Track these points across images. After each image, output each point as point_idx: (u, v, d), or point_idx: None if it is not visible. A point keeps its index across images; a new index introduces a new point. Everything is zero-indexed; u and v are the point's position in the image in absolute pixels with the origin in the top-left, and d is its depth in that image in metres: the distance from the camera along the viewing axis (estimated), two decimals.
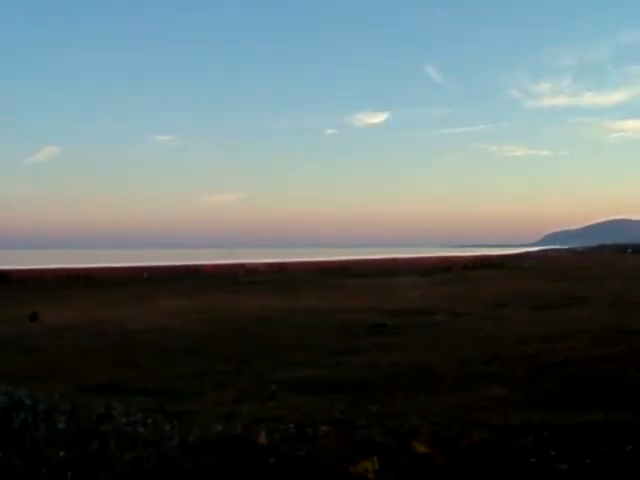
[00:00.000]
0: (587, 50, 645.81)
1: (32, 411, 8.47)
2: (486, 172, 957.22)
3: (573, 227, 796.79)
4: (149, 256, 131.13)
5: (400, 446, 7.21)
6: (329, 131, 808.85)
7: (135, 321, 27.48)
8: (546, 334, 20.11)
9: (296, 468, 6.52)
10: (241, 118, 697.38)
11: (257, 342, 21.17)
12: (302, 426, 8.32)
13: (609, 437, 7.45)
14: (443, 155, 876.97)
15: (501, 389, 12.16)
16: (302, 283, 53.55)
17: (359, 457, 6.58)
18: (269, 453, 6.96)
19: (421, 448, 7.01)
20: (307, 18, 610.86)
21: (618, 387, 11.58)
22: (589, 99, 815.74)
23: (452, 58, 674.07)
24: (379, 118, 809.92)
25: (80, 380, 14.53)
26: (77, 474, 6.38)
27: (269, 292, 44.41)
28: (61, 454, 6.84)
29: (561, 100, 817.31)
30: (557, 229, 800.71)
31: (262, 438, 7.45)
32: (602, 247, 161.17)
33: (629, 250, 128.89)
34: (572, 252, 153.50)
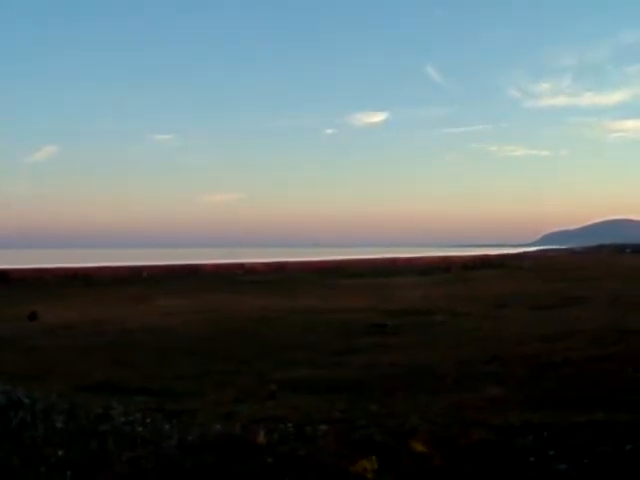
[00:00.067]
0: (587, 50, 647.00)
1: (30, 410, 8.46)
2: (485, 172, 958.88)
3: (572, 227, 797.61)
4: (148, 256, 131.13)
5: (399, 446, 7.20)
6: (329, 131, 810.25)
7: (134, 321, 27.47)
8: (545, 334, 20.12)
9: (295, 467, 6.51)
10: (241, 118, 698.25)
11: (257, 342, 21.16)
12: (301, 426, 8.31)
13: (608, 437, 7.45)
14: (442, 155, 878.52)
15: (500, 389, 12.16)
16: (301, 283, 53.55)
17: (358, 457, 6.58)
18: (268, 452, 6.95)
19: (420, 448, 7.00)
20: (307, 18, 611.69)
21: (617, 387, 11.59)
22: (589, 99, 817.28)
23: (452, 58, 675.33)
24: (378, 118, 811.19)
25: (79, 379, 14.52)
26: (76, 473, 6.38)
27: (269, 292, 44.41)
28: (60, 453, 6.84)
29: (561, 100, 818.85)
30: (556, 229, 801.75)
31: (261, 438, 7.45)
32: (601, 247, 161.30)
33: (628, 250, 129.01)
34: (571, 252, 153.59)
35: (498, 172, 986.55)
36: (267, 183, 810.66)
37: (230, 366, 16.57)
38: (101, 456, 6.87)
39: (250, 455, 6.93)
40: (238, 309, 32.23)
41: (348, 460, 6.55)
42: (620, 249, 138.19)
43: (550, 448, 6.97)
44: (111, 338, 22.57)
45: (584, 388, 11.83)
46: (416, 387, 12.97)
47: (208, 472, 6.47)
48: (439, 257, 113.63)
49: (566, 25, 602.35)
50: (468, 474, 6.40)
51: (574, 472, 6.25)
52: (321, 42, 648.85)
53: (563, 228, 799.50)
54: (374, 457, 6.48)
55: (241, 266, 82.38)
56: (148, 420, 8.63)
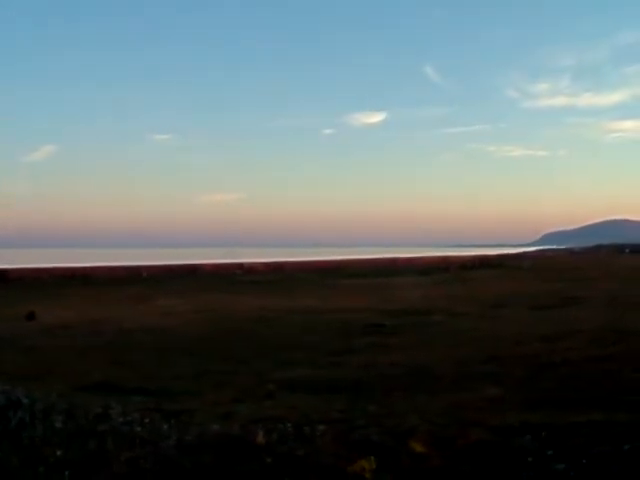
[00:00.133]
0: (585, 51, 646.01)
1: (29, 410, 8.47)
2: (484, 172, 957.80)
3: (570, 227, 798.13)
4: (147, 255, 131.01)
5: (397, 446, 7.21)
6: (327, 131, 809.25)
7: (133, 320, 27.45)
8: (544, 334, 20.14)
9: (293, 467, 6.52)
10: (240, 118, 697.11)
11: (255, 342, 21.16)
12: (300, 426, 8.32)
13: (607, 437, 7.46)
14: (441, 155, 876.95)
15: (499, 389, 12.17)
16: (300, 283, 53.55)
17: (356, 457, 6.59)
18: (266, 452, 6.96)
19: (418, 448, 7.02)
20: (306, 18, 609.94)
21: (616, 387, 11.61)
22: (587, 99, 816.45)
23: (450, 58, 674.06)
24: (377, 118, 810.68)
25: (77, 379, 14.51)
26: (74, 473, 6.38)
27: (267, 292, 44.41)
28: (58, 453, 6.84)
29: (559, 100, 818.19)
30: (554, 229, 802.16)
31: (259, 438, 7.45)
32: (599, 247, 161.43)
33: (627, 250, 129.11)
34: (570, 252, 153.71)
35: (496, 172, 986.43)
36: (266, 183, 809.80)
37: (229, 366, 16.57)
38: (100, 456, 6.88)
39: (249, 455, 6.94)
40: (237, 309, 32.23)
41: (347, 460, 6.56)
42: (619, 249, 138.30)
43: (548, 448, 6.98)
44: (109, 338, 22.55)
45: (582, 388, 11.84)
46: (414, 387, 12.98)
47: (207, 472, 6.48)
48: (438, 257, 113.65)
49: (565, 26, 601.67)
50: (466, 474, 6.41)
51: (572, 472, 6.26)
52: (320, 42, 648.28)
53: (562, 228, 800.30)
54: (372, 457, 6.49)
55: (240, 266, 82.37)
56: (146, 420, 8.64)
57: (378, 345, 19.70)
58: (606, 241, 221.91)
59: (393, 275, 61.82)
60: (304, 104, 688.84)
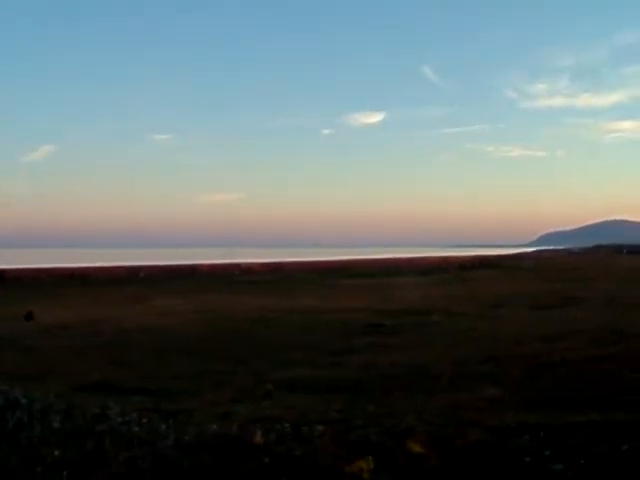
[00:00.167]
0: (584, 51, 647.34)
1: (27, 410, 8.45)
2: (482, 172, 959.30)
3: (569, 228, 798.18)
4: (146, 256, 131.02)
5: (395, 446, 7.21)
6: (326, 131, 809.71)
7: (131, 321, 27.44)
8: (543, 334, 20.15)
9: (291, 468, 6.52)
10: (239, 118, 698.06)
11: (254, 342, 21.16)
12: (298, 426, 8.31)
13: (605, 437, 7.46)
14: (439, 155, 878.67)
15: (497, 389, 12.18)
16: (299, 283, 53.55)
17: (354, 457, 6.58)
18: (264, 453, 6.95)
19: (416, 448, 7.01)
20: (306, 18, 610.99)
21: (615, 387, 11.61)
22: (586, 100, 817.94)
23: (449, 58, 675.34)
24: (376, 118, 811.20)
25: (76, 379, 14.51)
26: (72, 473, 6.37)
27: (266, 292, 44.40)
28: (56, 453, 6.83)
29: (558, 101, 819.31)
30: (552, 230, 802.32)
31: (258, 438, 7.45)
32: (598, 248, 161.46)
33: (624, 251, 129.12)
34: (568, 252, 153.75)
35: (495, 172, 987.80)
36: (266, 183, 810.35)
37: (227, 366, 16.57)
38: (98, 456, 6.87)
39: (247, 455, 6.93)
40: (236, 309, 32.22)
41: (345, 460, 6.56)
42: (617, 250, 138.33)
43: (546, 448, 6.98)
44: (108, 338, 22.54)
45: (581, 388, 11.84)
46: (413, 387, 12.98)
47: (205, 472, 6.47)
48: (437, 257, 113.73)
49: (563, 26, 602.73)
50: (464, 474, 6.41)
51: (570, 472, 6.26)
52: (319, 43, 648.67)
53: (560, 229, 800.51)
54: (370, 457, 6.49)
55: (237, 266, 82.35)
56: (145, 420, 8.63)
57: (377, 345, 19.70)
58: (604, 241, 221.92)
59: (392, 275, 61.82)
60: (303, 104, 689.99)
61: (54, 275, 65.02)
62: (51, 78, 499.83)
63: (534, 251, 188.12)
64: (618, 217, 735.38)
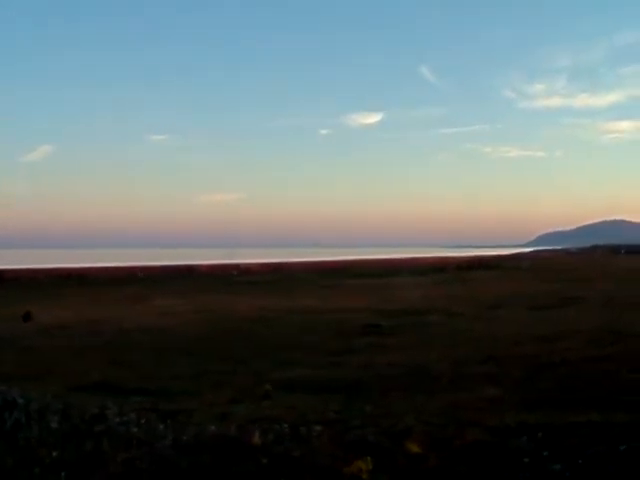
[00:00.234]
0: (582, 51, 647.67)
1: (25, 411, 8.44)
2: (480, 173, 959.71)
3: (566, 228, 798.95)
4: (145, 256, 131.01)
5: (394, 446, 7.20)
6: (324, 131, 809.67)
7: (130, 321, 27.41)
8: (542, 334, 20.15)
9: (290, 468, 6.51)
10: (237, 118, 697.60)
11: (254, 342, 21.14)
12: (296, 426, 8.31)
13: (603, 437, 7.46)
14: (437, 155, 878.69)
15: (496, 389, 12.17)
16: (299, 283, 53.54)
17: (353, 457, 6.58)
18: (263, 453, 6.94)
19: (415, 448, 7.01)
20: (305, 19, 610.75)
21: (614, 387, 11.61)
22: (583, 100, 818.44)
23: (447, 58, 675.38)
24: (374, 118, 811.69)
25: (74, 380, 14.49)
26: (70, 474, 6.36)
27: (266, 292, 44.38)
28: (54, 454, 6.82)
29: (555, 101, 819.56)
30: (550, 230, 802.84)
31: (256, 438, 7.44)
32: (595, 248, 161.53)
33: (622, 251, 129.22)
34: (566, 253, 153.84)
35: (493, 173, 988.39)
36: (265, 183, 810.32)
37: (227, 366, 16.55)
38: (96, 457, 6.86)
39: (245, 455, 6.93)
40: (235, 309, 32.21)
41: (343, 461, 6.55)
42: (615, 250, 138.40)
43: (545, 449, 6.98)
44: (107, 338, 22.52)
45: (580, 388, 11.84)
46: (412, 387, 12.97)
47: (203, 472, 6.46)
48: (435, 258, 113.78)
49: (561, 26, 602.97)
50: (463, 475, 6.40)
51: (568, 472, 6.25)
52: (317, 43, 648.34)
53: (558, 229, 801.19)
54: (369, 458, 6.48)
55: (237, 266, 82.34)
56: (143, 420, 8.62)
57: (376, 345, 19.69)
58: (602, 242, 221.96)
59: (391, 275, 61.82)
60: (302, 104, 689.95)
61: (52, 275, 64.98)
62: (50, 78, 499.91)
63: (532, 251, 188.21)
64: (616, 217, 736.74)
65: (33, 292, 45.60)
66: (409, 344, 19.78)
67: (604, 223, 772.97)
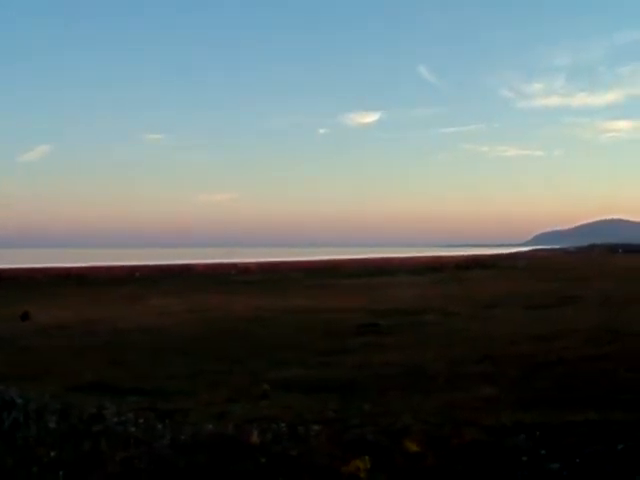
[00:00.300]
0: (580, 50, 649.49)
1: (23, 410, 8.44)
2: (478, 172, 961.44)
3: (564, 227, 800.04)
4: (143, 255, 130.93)
5: (392, 445, 7.21)
6: (322, 130, 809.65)
7: (127, 321, 27.39)
8: (539, 334, 20.18)
9: (288, 468, 6.52)
10: (235, 117, 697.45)
11: (250, 342, 21.14)
12: (294, 425, 8.31)
13: (601, 436, 7.48)
14: (435, 155, 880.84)
15: (493, 389, 12.19)
16: (295, 283, 53.53)
17: (351, 456, 6.58)
18: (261, 452, 6.95)
19: (413, 447, 7.02)
20: (303, 19, 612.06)
21: (611, 386, 11.64)
22: (582, 99, 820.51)
23: (445, 58, 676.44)
24: (372, 118, 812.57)
25: (72, 379, 14.48)
26: (68, 474, 6.36)
27: (262, 292, 44.37)
28: (52, 454, 6.82)
29: (554, 100, 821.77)
30: (548, 229, 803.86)
31: (254, 437, 7.45)
32: (593, 247, 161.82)
33: (620, 250, 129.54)
34: (564, 252, 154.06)
35: (491, 172, 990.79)
36: (263, 182, 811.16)
37: (223, 366, 16.55)
38: (94, 456, 6.86)
39: (243, 455, 6.93)
40: (231, 309, 32.20)
41: (341, 460, 6.56)
42: (612, 249, 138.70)
43: (542, 447, 6.99)
44: (104, 338, 22.50)
45: (577, 387, 11.87)
46: (409, 387, 12.98)
47: (201, 472, 6.47)
48: (432, 257, 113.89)
49: (559, 26, 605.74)
50: (461, 474, 6.42)
51: (566, 471, 6.27)
52: (316, 42, 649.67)
53: (555, 228, 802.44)
54: (367, 457, 6.49)
55: (234, 266, 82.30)
56: (141, 420, 8.62)
57: (373, 345, 19.70)
58: (599, 241, 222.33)
59: (388, 275, 61.87)
60: (300, 104, 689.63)
61: (50, 275, 64.89)
62: (47, 78, 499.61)
63: (529, 250, 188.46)
64: (614, 216, 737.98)
65: (31, 292, 45.52)
66: (406, 344, 19.79)
67: (602, 222, 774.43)
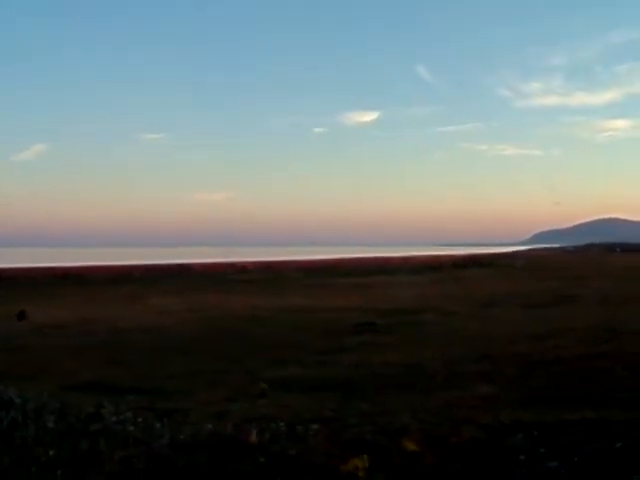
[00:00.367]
0: (577, 50, 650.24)
1: (22, 410, 8.43)
2: (476, 171, 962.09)
3: (563, 226, 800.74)
4: (140, 255, 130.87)
5: (390, 444, 7.21)
6: (320, 130, 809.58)
7: (126, 320, 27.38)
8: (537, 333, 20.21)
9: (286, 467, 6.52)
10: (232, 116, 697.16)
11: (248, 341, 21.15)
12: (292, 425, 8.31)
13: (599, 435, 7.48)
14: (433, 154, 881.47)
15: (491, 388, 12.20)
16: (293, 282, 53.53)
17: (349, 455, 6.58)
18: (259, 452, 6.95)
19: (411, 446, 7.02)
20: (301, 19, 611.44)
21: (608, 385, 11.66)
22: (580, 98, 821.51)
23: (442, 57, 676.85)
24: (370, 117, 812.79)
25: (70, 379, 14.47)
26: (67, 473, 6.36)
27: (260, 291, 44.37)
28: (50, 453, 6.82)
29: (552, 99, 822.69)
30: (546, 228, 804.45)
31: (252, 437, 7.44)
32: (591, 246, 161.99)
33: (617, 249, 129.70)
34: (562, 251, 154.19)
35: (489, 171, 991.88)
36: (260, 182, 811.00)
37: (221, 365, 16.55)
38: (92, 456, 6.85)
39: (242, 454, 6.93)
40: (229, 308, 32.19)
41: (339, 459, 6.56)
42: (610, 248, 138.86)
43: (540, 446, 7.00)
44: (102, 337, 22.50)
45: (575, 386, 11.89)
46: (407, 386, 13.00)
47: (200, 471, 6.46)
48: (431, 256, 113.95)
49: (557, 25, 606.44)
50: (459, 472, 6.42)
51: (564, 470, 6.28)
52: (313, 42, 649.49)
53: (553, 227, 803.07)
54: (365, 456, 6.49)
55: (232, 265, 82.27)
56: (139, 419, 8.60)
57: (371, 344, 19.71)
58: (597, 240, 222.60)
59: (386, 274, 61.88)
60: (297, 103, 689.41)
61: (48, 274, 64.82)
62: (44, 77, 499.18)
63: (527, 250, 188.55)
64: (612, 215, 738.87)
65: (29, 291, 45.50)
66: (404, 343, 19.81)
67: (599, 221, 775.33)
